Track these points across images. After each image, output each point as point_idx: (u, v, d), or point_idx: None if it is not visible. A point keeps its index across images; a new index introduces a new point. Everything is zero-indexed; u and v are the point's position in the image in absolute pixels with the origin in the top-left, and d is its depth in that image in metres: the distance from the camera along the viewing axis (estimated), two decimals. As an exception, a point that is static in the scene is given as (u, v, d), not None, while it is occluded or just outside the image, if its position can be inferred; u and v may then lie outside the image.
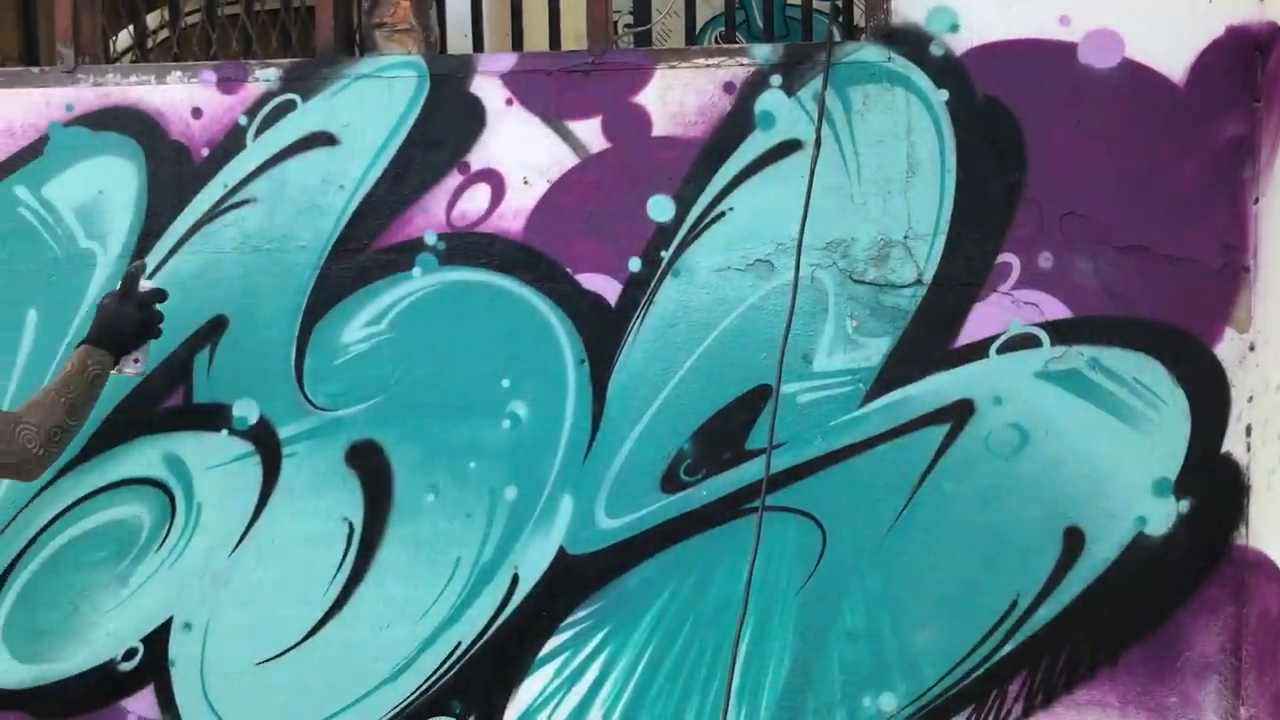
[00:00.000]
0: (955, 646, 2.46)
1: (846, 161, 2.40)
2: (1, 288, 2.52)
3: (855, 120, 2.39)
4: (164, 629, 2.57)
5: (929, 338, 2.42)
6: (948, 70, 2.36)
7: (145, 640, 2.58)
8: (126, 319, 2.24)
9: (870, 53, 2.39)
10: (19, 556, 2.57)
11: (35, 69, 2.63)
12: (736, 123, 2.42)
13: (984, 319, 2.40)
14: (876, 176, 2.40)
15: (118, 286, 2.28)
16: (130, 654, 2.58)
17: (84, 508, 2.57)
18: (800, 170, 2.39)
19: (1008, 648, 2.45)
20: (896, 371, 2.43)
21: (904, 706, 2.48)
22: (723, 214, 2.44)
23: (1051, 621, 2.43)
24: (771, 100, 2.41)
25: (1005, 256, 2.40)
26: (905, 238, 2.40)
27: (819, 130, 2.37)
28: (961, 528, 2.43)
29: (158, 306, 2.31)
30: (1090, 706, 2.45)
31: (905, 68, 2.37)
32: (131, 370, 2.32)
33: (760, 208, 2.42)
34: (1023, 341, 2.40)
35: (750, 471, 2.45)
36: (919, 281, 2.41)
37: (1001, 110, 2.37)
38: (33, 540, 2.57)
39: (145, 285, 2.30)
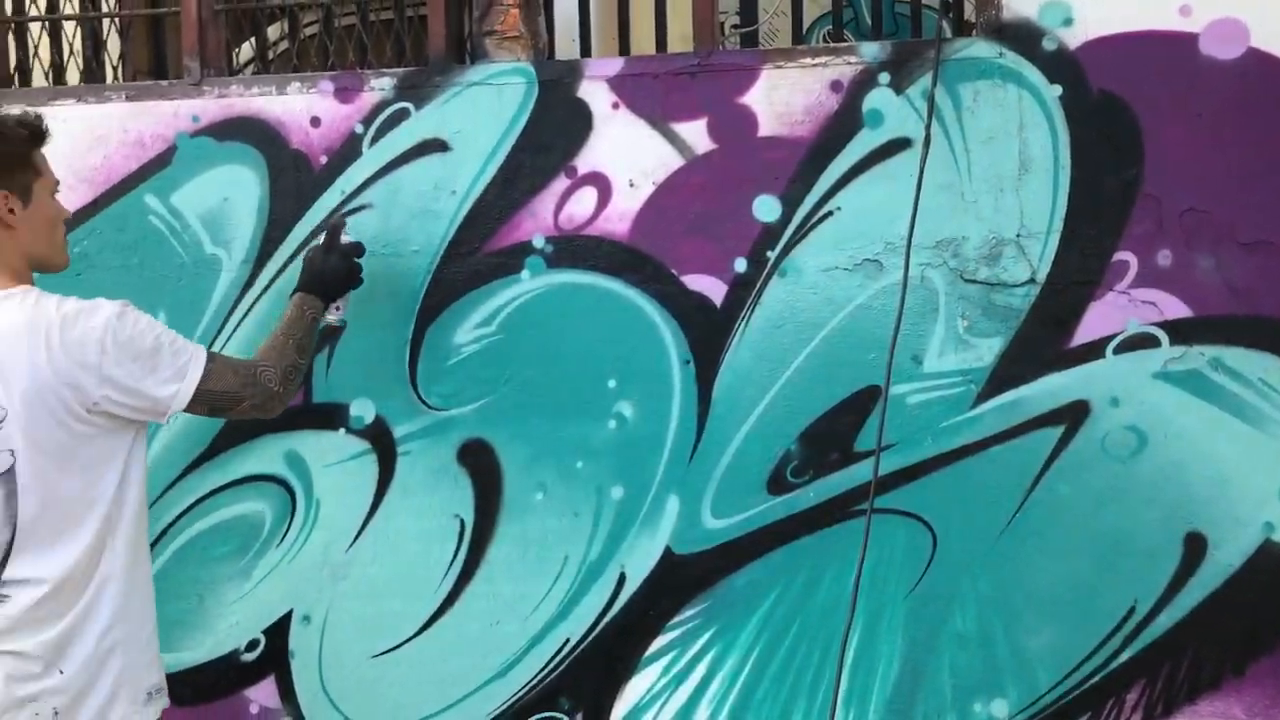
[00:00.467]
0: (1070, 652, 2.40)
1: (957, 159, 2.37)
2: (134, 292, 2.59)
3: (965, 117, 2.36)
4: (284, 621, 2.66)
5: (1043, 338, 2.37)
6: (1061, 65, 2.32)
7: (267, 632, 2.67)
8: (333, 268, 2.36)
9: (981, 49, 2.35)
10: (150, 549, 2.69)
11: (164, 82, 2.75)
12: (844, 122, 2.41)
13: (1100, 318, 2.35)
14: (988, 174, 2.36)
15: (322, 238, 2.42)
16: (252, 645, 2.68)
17: (210, 504, 2.68)
18: (909, 169, 2.36)
19: (1126, 655, 2.38)
20: (1009, 372, 2.39)
21: (1016, 713, 2.43)
22: (830, 213, 2.43)
23: (1172, 629, 2.36)
24: (880, 98, 2.39)
25: (1122, 254, 2.34)
26: (1018, 236, 2.36)
27: (929, 128, 2.34)
28: (1077, 531, 2.38)
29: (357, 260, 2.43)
30: (1214, 719, 2.38)
31: (1017, 63, 2.33)
32: (334, 317, 2.43)
33: (868, 207, 2.41)
34: (1140, 341, 2.34)
35: (859, 473, 2.43)
36: (1032, 280, 2.36)
37: (1118, 104, 2.32)
38: (162, 534, 2.69)
39: (345, 239, 2.42)
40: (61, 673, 1.92)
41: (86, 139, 2.63)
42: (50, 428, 1.89)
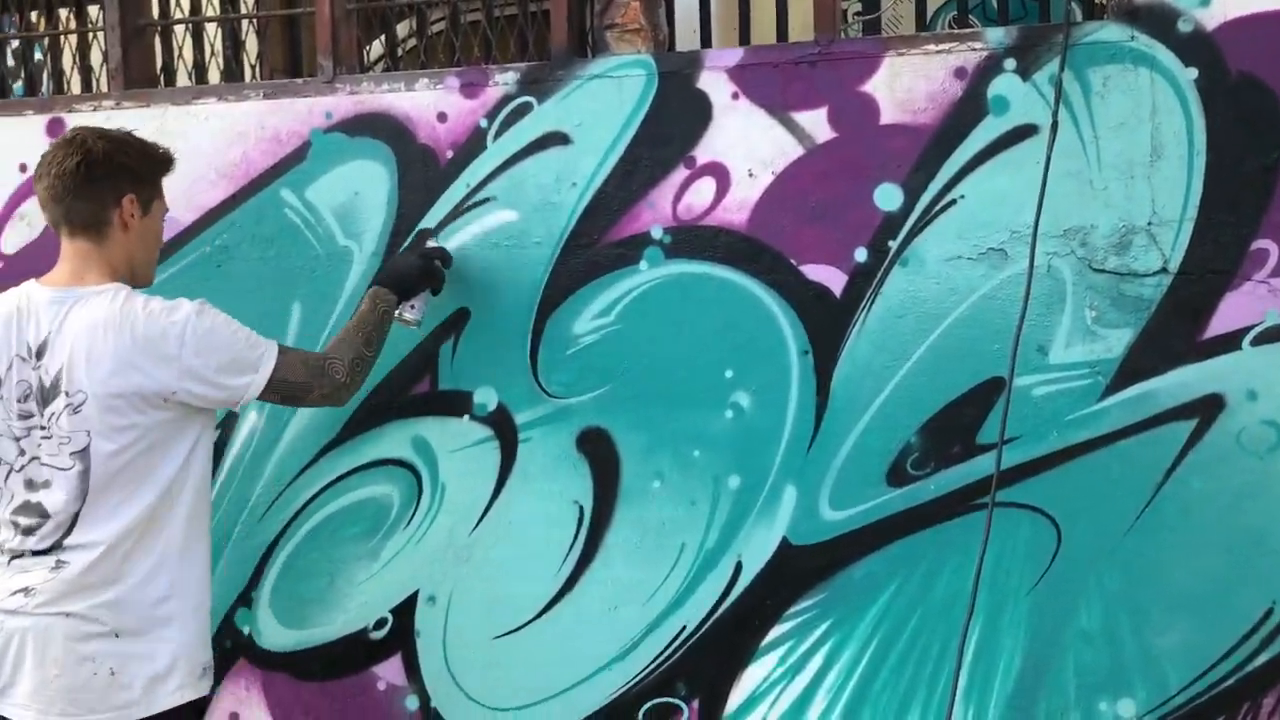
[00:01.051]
0: (1203, 653, 2.33)
1: (1085, 146, 2.31)
2: (271, 283, 2.75)
3: (1094, 103, 2.30)
4: (410, 601, 2.75)
5: (1175, 329, 2.30)
6: (1197, 47, 2.24)
7: (394, 611, 2.76)
8: (409, 264, 2.53)
9: (1111, 32, 2.29)
10: (284, 531, 2.81)
11: (299, 80, 2.86)
12: (968, 109, 2.37)
13: (1236, 309, 2.27)
14: (1118, 161, 2.30)
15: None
16: (380, 623, 2.77)
17: (340, 486, 2.77)
18: (1035, 156, 2.32)
19: (1263, 657, 2.30)
20: (1139, 364, 2.32)
21: (1144, 713, 2.37)
22: (953, 202, 2.39)
23: (1314, 632, 2.28)
24: (1005, 85, 2.35)
25: (1261, 242, 2.25)
26: (1149, 224, 2.29)
27: (1056, 114, 2.29)
28: (1211, 528, 2.31)
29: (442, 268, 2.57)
30: (1357, 726, 2.28)
31: (1150, 46, 2.26)
32: (410, 316, 2.52)
33: (993, 195, 2.37)
34: (1280, 333, 2.26)
35: (981, 466, 2.40)
36: (1164, 270, 2.29)
37: (1257, 87, 2.23)
38: (295, 515, 2.80)
39: (431, 244, 2.58)
40: (117, 636, 2.07)
41: (227, 136, 2.75)
42: (125, 413, 2.05)
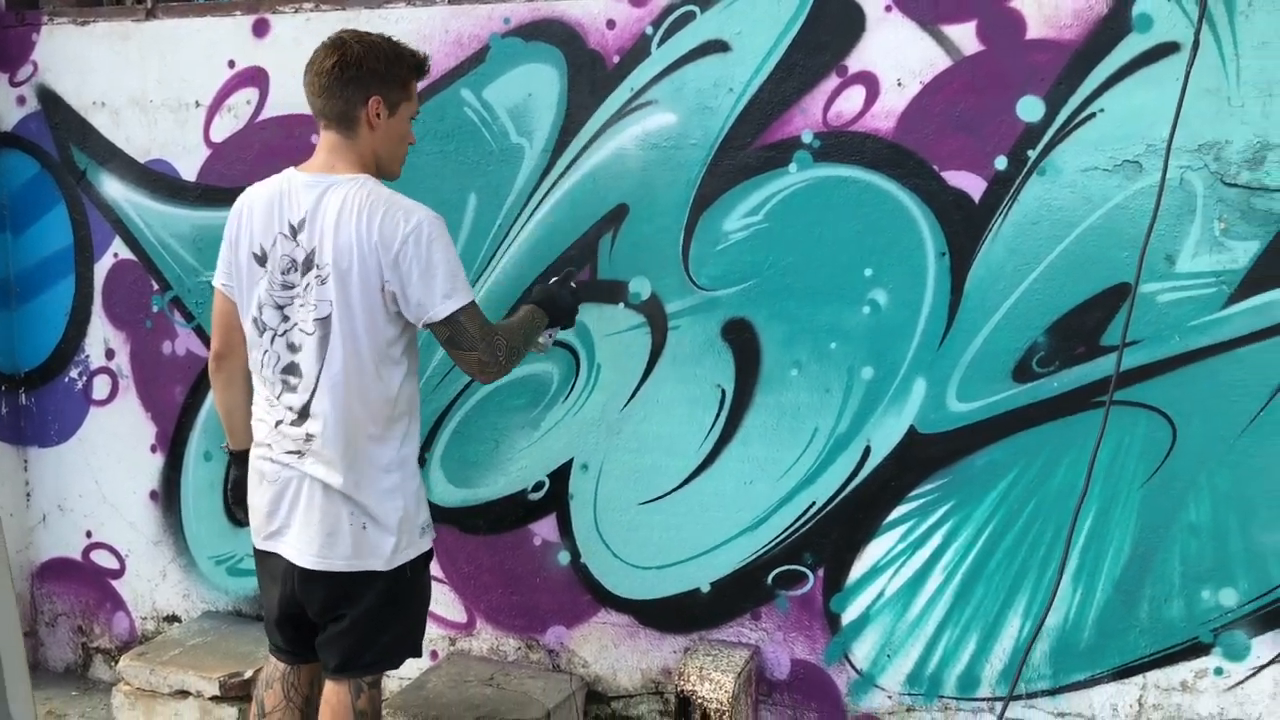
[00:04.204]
0: (1306, 551, 2.47)
1: (1225, 64, 2.40)
2: (450, 175, 3.01)
3: (1238, 22, 2.38)
4: (565, 468, 3.04)
5: (1303, 243, 2.40)
6: (1348, -33, 2.30)
7: (550, 476, 3.06)
8: (564, 298, 2.75)
9: (1261, -48, 2.36)
10: (455, 399, 3.12)
11: (479, -12, 3.08)
12: (1112, 25, 2.47)
13: (1365, 225, 2.36)
14: (1258, 80, 2.38)
15: (556, 279, 2.91)
16: (538, 486, 3.08)
17: (505, 362, 3.05)
18: (1175, 73, 2.42)
19: (1365, 557, 2.44)
20: (1265, 275, 2.43)
21: (1245, 603, 2.53)
22: (1093, 115, 2.50)
23: None
24: (1150, 3, 2.43)
25: (1398, 162, 2.33)
26: (1285, 141, 2.38)
27: (1198, 32, 2.38)
28: (1323, 434, 2.43)
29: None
30: None
31: (1299, -34, 2.33)
32: (544, 339, 2.72)
33: (1132, 110, 2.47)
34: None
35: (1103, 366, 2.55)
36: (1296, 185, 2.39)
37: (1406, 8, 2.28)
38: (466, 386, 3.10)
39: (573, 284, 2.87)
40: (357, 500, 2.31)
41: (414, 38, 2.98)
42: (362, 291, 2.26)
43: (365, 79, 2.31)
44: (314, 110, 2.36)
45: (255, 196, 2.38)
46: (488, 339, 2.35)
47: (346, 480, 2.30)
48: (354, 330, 2.27)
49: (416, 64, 2.42)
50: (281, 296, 2.32)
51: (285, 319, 2.32)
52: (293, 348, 2.32)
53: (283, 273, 2.31)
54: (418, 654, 2.49)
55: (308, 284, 2.28)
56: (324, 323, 2.27)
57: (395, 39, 2.40)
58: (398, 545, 2.35)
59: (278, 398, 2.35)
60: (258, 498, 2.41)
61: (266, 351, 2.35)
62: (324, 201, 2.28)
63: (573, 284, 2.89)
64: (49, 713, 3.45)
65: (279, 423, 2.35)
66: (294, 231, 2.30)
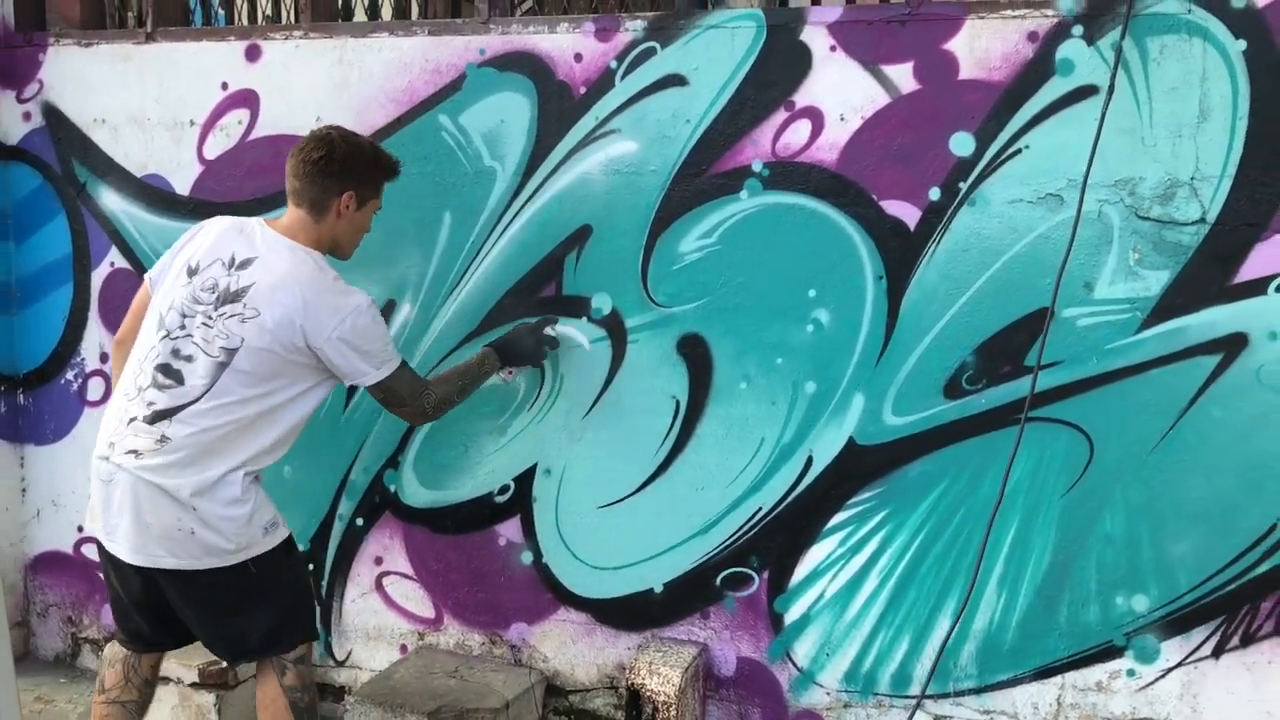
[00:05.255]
0: (1210, 560, 2.64)
1: (1140, 106, 2.58)
2: (428, 195, 3.18)
3: (1151, 68, 2.57)
4: (530, 472, 3.21)
5: (1208, 273, 2.57)
6: (1247, 22, 2.49)
7: (516, 479, 3.23)
8: (524, 343, 3.02)
9: (1171, 4, 2.54)
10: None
11: (459, 20, 3.28)
12: (1038, 68, 2.65)
13: (1265, 259, 2.54)
14: (1168, 121, 2.57)
15: (534, 320, 3.08)
16: (504, 489, 3.24)
17: (476, 372, 3.21)
18: (1094, 113, 2.60)
19: (1263, 568, 2.61)
20: (1174, 303, 2.61)
21: (1155, 609, 2.70)
22: (1019, 151, 2.68)
23: (1309, 547, 2.55)
24: (1072, 49, 2.62)
25: (1295, 200, 2.50)
26: (1192, 179, 2.56)
27: (1114, 76, 2.56)
28: (1226, 452, 2.60)
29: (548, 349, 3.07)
30: (1350, 635, 2.56)
31: (1204, 19, 2.51)
32: (505, 377, 3.09)
33: (1055, 146, 2.65)
34: (1305, 282, 2.50)
35: (1026, 385, 2.71)
36: (1203, 220, 2.56)
37: (1303, 60, 2.46)
38: (438, 394, 3.27)
39: (549, 333, 3.08)
40: (193, 507, 2.43)
41: (396, 66, 3.19)
42: (273, 348, 2.44)
43: (344, 176, 2.55)
44: (290, 189, 2.58)
45: (217, 224, 2.60)
46: (415, 396, 2.65)
47: (184, 487, 2.42)
48: (250, 379, 2.45)
49: (392, 170, 2.68)
50: (190, 308, 2.49)
51: (183, 328, 2.48)
52: (178, 354, 2.46)
53: (204, 289, 2.49)
54: (311, 637, 2.69)
55: (225, 313, 2.45)
56: (230, 353, 2.44)
57: (379, 146, 2.70)
58: (237, 547, 2.48)
59: (140, 391, 2.47)
60: (95, 496, 2.56)
61: (154, 347, 2.50)
62: (276, 257, 2.49)
63: (549, 332, 3.07)
64: (38, 699, 3.62)
65: (133, 419, 2.47)
66: (234, 264, 2.49)
